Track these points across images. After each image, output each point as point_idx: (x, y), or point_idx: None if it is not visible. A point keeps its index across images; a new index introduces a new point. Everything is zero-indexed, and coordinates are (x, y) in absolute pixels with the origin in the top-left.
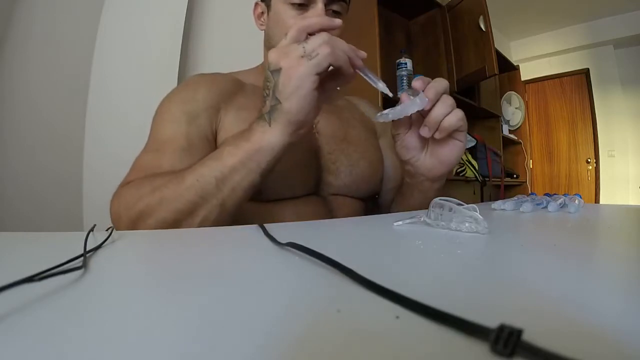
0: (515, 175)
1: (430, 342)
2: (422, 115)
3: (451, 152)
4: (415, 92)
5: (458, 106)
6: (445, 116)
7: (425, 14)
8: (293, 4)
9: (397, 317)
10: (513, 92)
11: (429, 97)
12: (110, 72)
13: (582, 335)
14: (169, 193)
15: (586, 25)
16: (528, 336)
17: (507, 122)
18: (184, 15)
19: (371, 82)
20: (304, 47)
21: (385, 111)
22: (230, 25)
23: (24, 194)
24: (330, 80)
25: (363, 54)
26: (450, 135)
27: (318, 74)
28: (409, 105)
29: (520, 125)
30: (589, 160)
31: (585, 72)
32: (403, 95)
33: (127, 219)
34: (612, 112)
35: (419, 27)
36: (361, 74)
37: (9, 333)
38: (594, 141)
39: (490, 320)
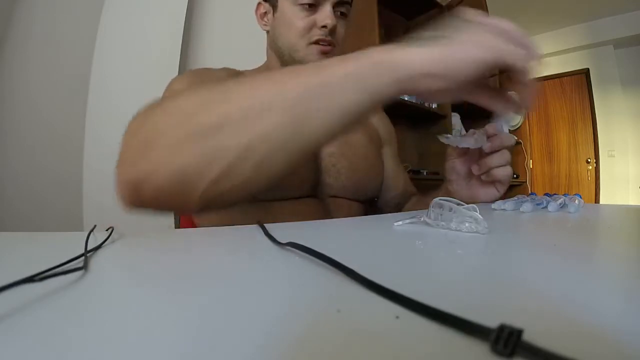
0: (515, 175)
1: (430, 342)
2: (480, 152)
3: (486, 194)
4: (481, 131)
5: (457, 105)
6: (497, 167)
7: (425, 14)
8: (302, 5)
9: (397, 317)
10: (513, 92)
11: (494, 146)
12: (110, 72)
13: (582, 335)
14: (216, 96)
15: (586, 25)
16: (528, 336)
17: (507, 122)
18: (184, 15)
19: (501, 126)
20: (511, 34)
21: (448, 135)
22: (231, 25)
23: (24, 194)
24: (480, 90)
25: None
26: (493, 182)
27: (496, 62)
28: (463, 140)
29: (520, 125)
30: (589, 160)
31: (585, 72)
32: (470, 131)
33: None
34: (612, 112)
35: (419, 27)
36: (500, 118)
37: (9, 333)
38: (594, 141)
39: (490, 320)
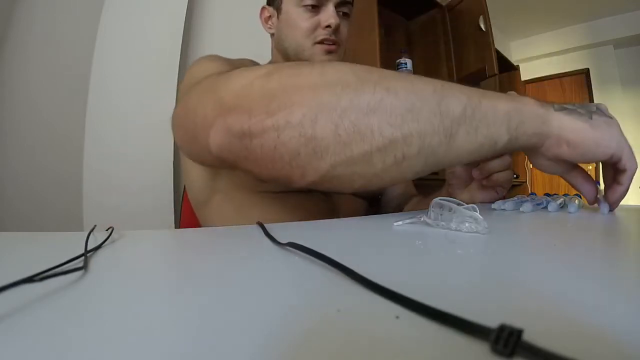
0: (515, 176)
1: (430, 342)
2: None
3: (485, 198)
4: None
5: None
6: (498, 171)
7: (425, 14)
8: (306, 6)
9: (397, 317)
10: (513, 92)
11: None
12: (110, 72)
13: (582, 335)
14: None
15: (586, 25)
16: (528, 336)
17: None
18: (184, 15)
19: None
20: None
21: None
22: (230, 25)
23: (24, 194)
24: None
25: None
26: (492, 185)
27: (616, 157)
28: None
29: None
30: None
31: (585, 72)
32: None
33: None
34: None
35: (419, 27)
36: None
37: (9, 333)
38: None
39: (490, 320)
